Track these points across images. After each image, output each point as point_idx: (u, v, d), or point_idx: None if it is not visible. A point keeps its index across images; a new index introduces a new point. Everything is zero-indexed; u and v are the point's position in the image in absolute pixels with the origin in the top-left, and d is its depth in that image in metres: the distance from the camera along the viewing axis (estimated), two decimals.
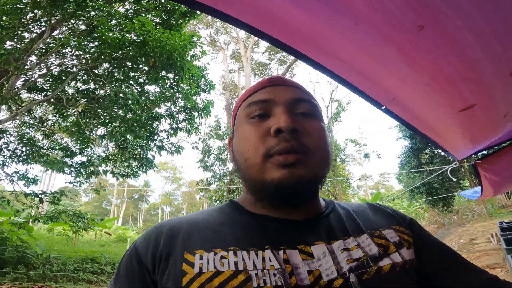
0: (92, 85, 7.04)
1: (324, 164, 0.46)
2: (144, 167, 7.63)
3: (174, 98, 7.19)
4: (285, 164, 0.42)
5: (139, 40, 5.75)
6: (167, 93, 7.07)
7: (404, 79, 1.04)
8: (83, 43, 6.00)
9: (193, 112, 7.45)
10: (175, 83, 6.89)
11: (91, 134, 7.31)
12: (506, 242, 5.76)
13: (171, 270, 0.41)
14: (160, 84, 6.77)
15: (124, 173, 7.69)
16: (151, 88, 7.35)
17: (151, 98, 7.11)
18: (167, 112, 7.53)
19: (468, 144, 1.62)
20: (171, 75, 6.80)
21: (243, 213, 0.50)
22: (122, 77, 6.46)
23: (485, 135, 1.51)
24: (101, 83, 6.60)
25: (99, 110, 6.78)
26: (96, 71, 6.61)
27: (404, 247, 0.46)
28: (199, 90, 7.30)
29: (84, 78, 6.92)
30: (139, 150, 7.44)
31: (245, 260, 0.40)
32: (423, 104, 1.24)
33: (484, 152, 2.02)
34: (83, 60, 6.46)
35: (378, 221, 0.51)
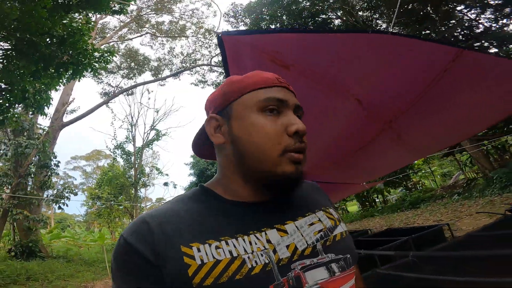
0: None
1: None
2: None
3: None
4: (296, 161, 0.49)
5: None
6: None
7: None
8: None
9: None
10: None
11: None
12: None
13: (172, 264, 0.43)
14: None
15: None
16: None
17: None
18: None
19: None
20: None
21: (220, 201, 0.52)
22: None
23: None
24: None
25: None
26: None
27: (341, 221, 0.59)
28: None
29: None
30: None
31: (236, 247, 0.45)
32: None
33: None
34: None
35: (323, 201, 0.62)
